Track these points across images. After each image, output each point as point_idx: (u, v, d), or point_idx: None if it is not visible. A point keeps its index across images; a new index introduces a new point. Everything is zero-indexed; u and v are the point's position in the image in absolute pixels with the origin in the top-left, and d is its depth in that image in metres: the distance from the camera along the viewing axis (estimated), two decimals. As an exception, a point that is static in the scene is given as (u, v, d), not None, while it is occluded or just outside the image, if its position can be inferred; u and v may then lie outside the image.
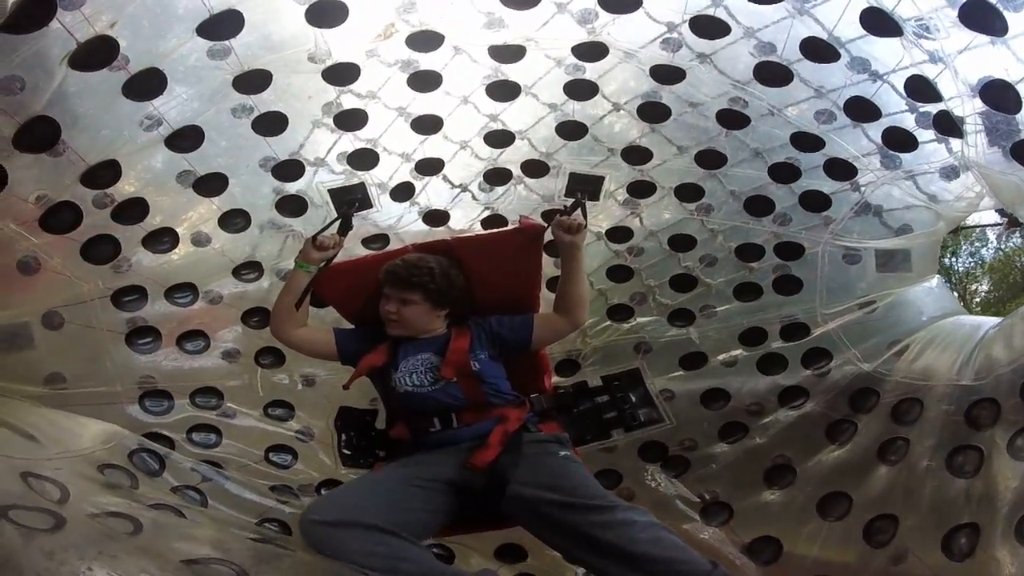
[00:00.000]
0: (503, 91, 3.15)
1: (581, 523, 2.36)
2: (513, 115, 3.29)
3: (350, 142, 3.23)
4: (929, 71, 2.45)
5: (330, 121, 3.10)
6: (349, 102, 3.07)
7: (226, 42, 2.60)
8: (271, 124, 2.99)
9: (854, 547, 2.69)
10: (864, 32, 2.51)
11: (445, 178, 3.50)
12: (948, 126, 2.59)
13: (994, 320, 2.99)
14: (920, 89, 2.57)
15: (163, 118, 2.70)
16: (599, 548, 2.30)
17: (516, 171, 3.50)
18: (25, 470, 1.91)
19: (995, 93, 2.25)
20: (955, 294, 3.46)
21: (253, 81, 2.79)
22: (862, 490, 2.84)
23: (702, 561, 2.28)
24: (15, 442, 2.33)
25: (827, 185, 3.22)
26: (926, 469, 2.64)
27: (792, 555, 2.83)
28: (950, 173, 2.93)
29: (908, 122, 2.82)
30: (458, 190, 3.56)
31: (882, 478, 2.82)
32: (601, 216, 3.59)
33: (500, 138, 3.36)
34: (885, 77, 2.69)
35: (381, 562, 2.23)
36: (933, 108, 2.65)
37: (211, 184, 3.05)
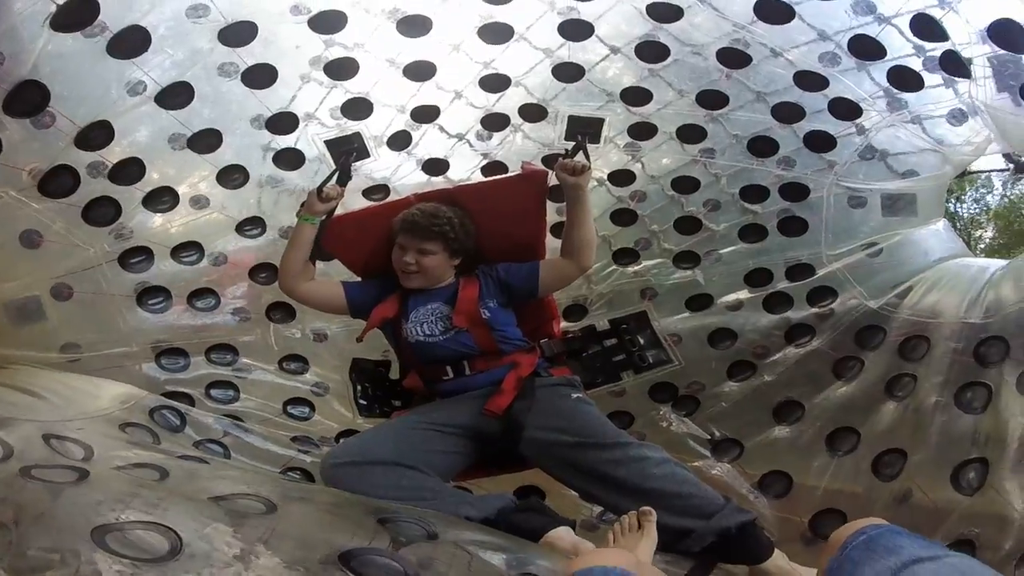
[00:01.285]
0: (495, 34, 3.10)
1: (595, 461, 2.41)
2: (507, 60, 3.23)
3: (342, 92, 3.18)
4: (936, 12, 2.41)
5: (320, 72, 3.05)
6: (337, 51, 3.02)
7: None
8: (260, 77, 2.95)
9: (863, 480, 2.74)
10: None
11: (441, 126, 3.46)
12: (955, 66, 2.55)
13: (1001, 262, 3.00)
14: (926, 29, 2.53)
15: (149, 77, 2.67)
16: (614, 485, 2.35)
17: (514, 117, 3.46)
18: (47, 432, 1.92)
19: (1004, 33, 2.22)
20: (960, 240, 3.47)
21: (238, 34, 2.75)
22: (870, 425, 2.87)
23: (715, 495, 2.33)
24: (35, 406, 2.34)
25: (832, 126, 3.18)
26: (934, 405, 2.66)
27: (802, 488, 2.89)
28: (958, 116, 2.88)
29: (914, 63, 2.77)
30: (455, 138, 3.52)
31: (890, 413, 2.85)
32: (601, 161, 3.55)
33: (495, 83, 3.30)
34: (890, 20, 2.64)
35: (407, 493, 2.28)
36: (939, 48, 2.61)
37: (205, 141, 3.01)
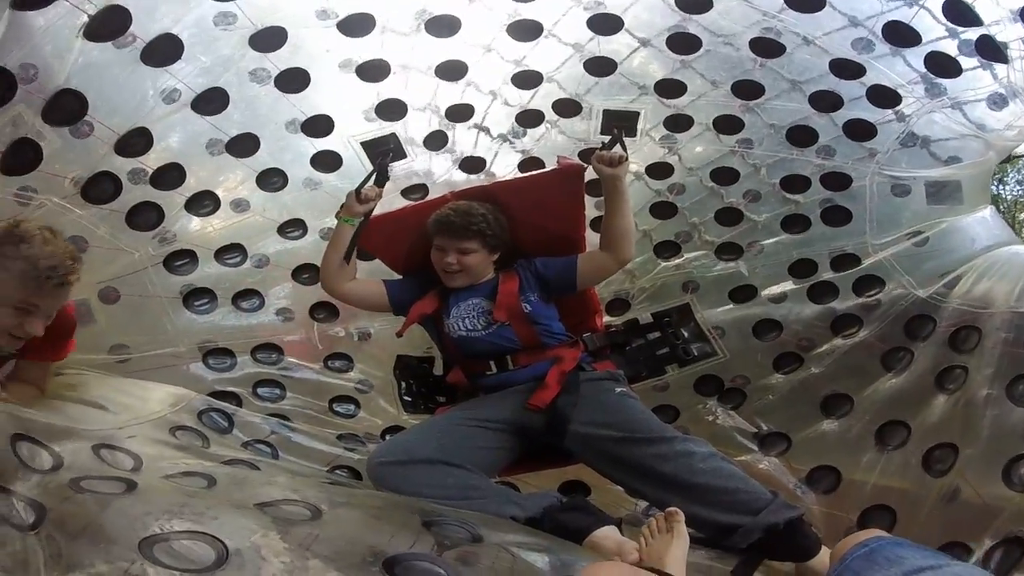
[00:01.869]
0: (524, 31, 3.08)
1: (641, 456, 2.40)
2: (538, 57, 3.22)
3: (375, 94, 3.19)
4: None
5: (352, 74, 3.07)
6: (368, 54, 3.03)
7: (230, 6, 2.60)
8: (292, 81, 2.98)
9: (912, 476, 2.67)
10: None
11: (477, 124, 3.46)
12: (992, 51, 2.48)
13: (1053, 250, 2.90)
14: (959, 13, 2.46)
15: (184, 84, 2.71)
16: (660, 480, 2.34)
17: (548, 113, 3.44)
18: (98, 442, 1.95)
19: None
20: (1004, 222, 3.39)
21: (268, 39, 2.77)
22: (920, 419, 2.79)
23: (763, 490, 2.30)
24: (87, 414, 2.40)
25: (871, 113, 3.11)
26: (985, 398, 2.58)
27: (850, 483, 2.82)
28: (998, 101, 2.78)
29: (949, 48, 2.69)
30: (491, 136, 3.51)
31: (940, 407, 2.77)
32: (638, 155, 3.51)
33: (527, 79, 3.29)
34: (922, 4, 2.58)
35: (452, 492, 2.30)
36: (974, 33, 2.54)
37: (242, 146, 3.05)
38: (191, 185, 3.02)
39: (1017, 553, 2.09)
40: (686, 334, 3.56)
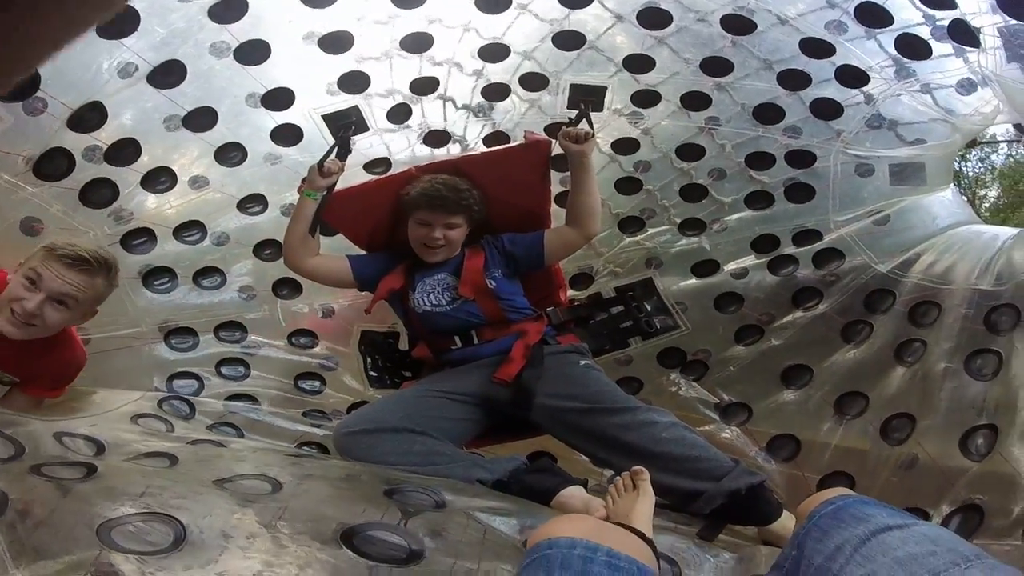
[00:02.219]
0: (493, 3, 3.07)
1: (605, 426, 2.43)
2: (506, 29, 3.20)
3: (338, 66, 3.14)
4: None
5: (314, 46, 3.02)
6: (330, 25, 2.98)
7: None
8: (253, 53, 2.92)
9: (870, 443, 2.74)
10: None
11: (441, 97, 3.42)
12: (965, 35, 2.51)
13: (1013, 230, 2.96)
14: None
15: (140, 57, 2.65)
16: (624, 449, 2.36)
17: (515, 87, 3.42)
18: (58, 430, 1.93)
19: (1014, 3, 2.18)
20: (964, 199, 3.44)
21: (229, 10, 2.72)
22: (879, 390, 2.86)
23: (724, 458, 2.34)
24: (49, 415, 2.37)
25: (839, 93, 3.14)
26: (943, 371, 2.65)
27: (811, 449, 2.88)
28: (966, 86, 2.84)
29: (923, 31, 2.72)
30: (456, 110, 3.49)
31: (899, 378, 2.83)
32: (605, 131, 3.52)
33: (494, 52, 3.27)
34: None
35: (418, 459, 2.31)
36: (948, 17, 2.57)
37: (199, 120, 3.00)
38: (147, 161, 2.96)
39: (976, 519, 2.15)
40: (649, 308, 3.59)
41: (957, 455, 2.39)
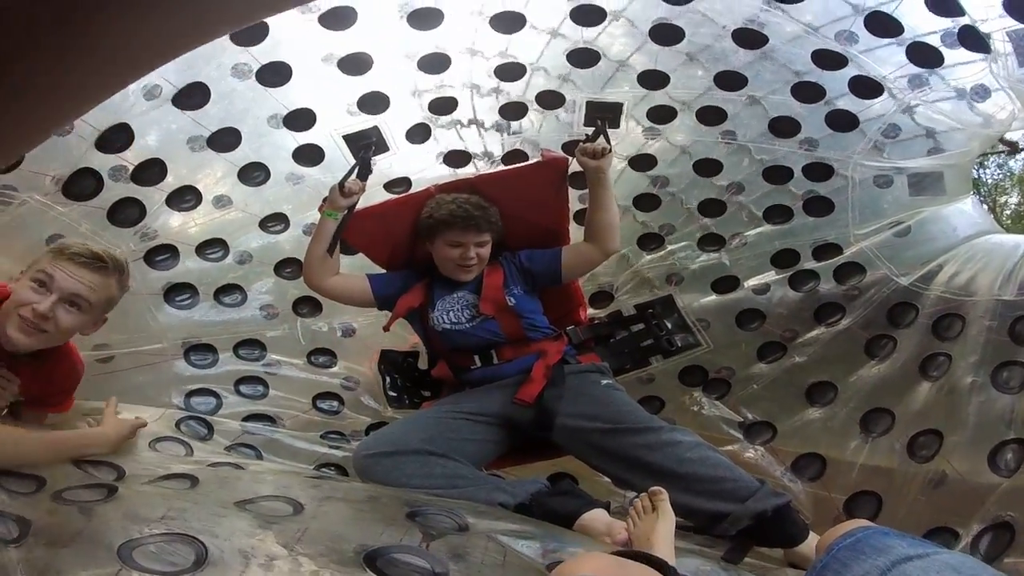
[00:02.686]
0: (507, 23, 3.07)
1: (628, 447, 2.40)
2: (521, 48, 3.21)
3: (357, 87, 3.16)
4: None
5: (334, 67, 3.04)
6: (349, 47, 3.00)
7: None
8: (274, 75, 2.95)
9: (897, 462, 2.69)
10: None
11: (459, 119, 3.44)
12: (974, 42, 2.49)
13: (1034, 238, 2.93)
14: (942, 4, 2.47)
15: (164, 79, 2.68)
16: (647, 470, 2.33)
17: (532, 105, 3.42)
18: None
19: (1021, 7, 2.15)
20: (984, 207, 3.40)
21: (250, 33, 2.75)
22: (904, 405, 2.82)
23: (750, 479, 2.31)
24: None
25: (853, 105, 3.12)
26: (970, 385, 2.61)
27: (837, 469, 2.84)
28: (980, 92, 2.81)
29: (933, 39, 2.70)
30: (474, 129, 3.49)
31: (924, 393, 2.80)
32: (621, 146, 3.50)
33: (511, 71, 3.28)
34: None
35: (439, 481, 2.30)
36: (957, 24, 2.54)
37: (223, 141, 3.02)
38: (172, 181, 2.99)
39: (1006, 537, 2.11)
40: (670, 325, 3.55)
41: (986, 471, 2.36)
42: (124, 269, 2.19)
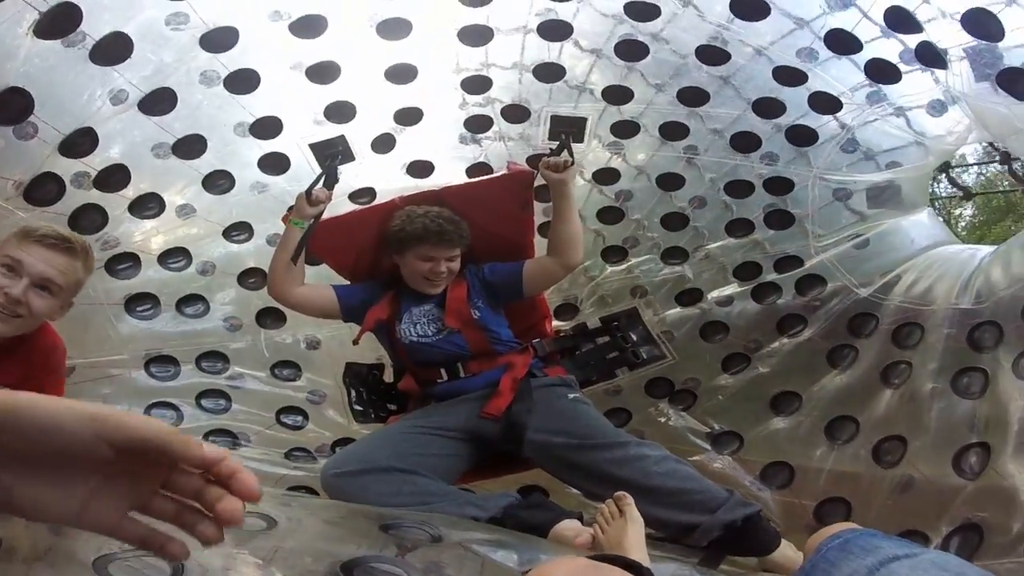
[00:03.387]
0: (475, 36, 3.07)
1: (596, 462, 2.41)
2: (488, 62, 3.21)
3: (325, 96, 3.13)
4: (909, 3, 2.41)
5: (302, 76, 3.00)
6: (318, 55, 2.97)
7: (182, 5, 2.53)
8: (242, 82, 2.90)
9: (863, 467, 2.75)
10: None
11: (425, 129, 3.41)
12: (932, 57, 2.57)
13: (989, 248, 3.02)
14: (901, 20, 2.53)
15: (132, 84, 2.62)
16: (616, 484, 2.31)
17: (497, 118, 3.43)
18: None
19: (978, 22, 2.23)
20: (940, 218, 3.52)
21: (220, 39, 2.70)
22: (868, 413, 2.88)
23: (718, 490, 2.33)
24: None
25: (812, 120, 3.18)
26: (931, 391, 2.68)
27: (805, 476, 2.89)
28: (937, 107, 2.88)
29: (891, 55, 2.76)
30: (439, 140, 3.48)
31: (887, 401, 2.86)
32: (585, 160, 3.55)
33: (477, 84, 3.28)
34: (865, 13, 2.63)
35: (410, 499, 2.26)
36: (915, 40, 2.61)
37: (188, 147, 2.96)
38: (135, 188, 2.91)
39: (975, 538, 2.16)
40: (635, 338, 3.56)
41: (951, 475, 2.41)
42: (89, 252, 2.16)
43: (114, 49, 2.47)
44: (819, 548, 1.30)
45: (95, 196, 2.81)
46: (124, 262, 3.03)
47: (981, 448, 2.37)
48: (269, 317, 3.35)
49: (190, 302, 3.22)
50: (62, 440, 0.68)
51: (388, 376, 3.37)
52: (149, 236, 3.08)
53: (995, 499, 2.21)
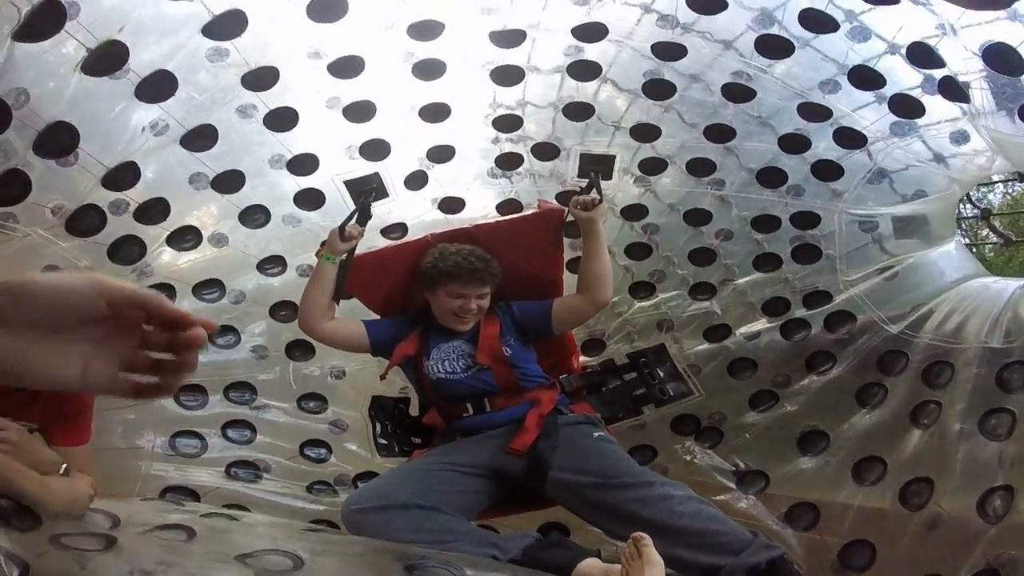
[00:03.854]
0: (507, 76, 3.13)
1: (620, 501, 2.41)
2: (518, 101, 3.26)
3: (360, 134, 3.19)
4: (932, 40, 2.43)
5: (339, 114, 3.08)
6: (355, 95, 3.04)
7: (225, 43, 2.60)
8: (281, 120, 2.98)
9: (890, 508, 2.70)
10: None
11: (457, 166, 3.47)
12: (954, 91, 2.57)
13: (1018, 282, 2.98)
14: (923, 55, 2.54)
15: (173, 119, 2.69)
16: (640, 524, 2.29)
17: (527, 156, 3.47)
18: None
19: (999, 56, 2.23)
20: (965, 241, 3.48)
21: (260, 78, 2.78)
22: (896, 454, 2.83)
23: (743, 531, 2.31)
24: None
25: (838, 154, 3.17)
26: (959, 432, 2.63)
27: (830, 520, 2.84)
28: (959, 138, 2.87)
29: (914, 90, 2.76)
30: (471, 178, 3.53)
31: (915, 441, 2.81)
32: (614, 196, 3.54)
33: (508, 123, 3.33)
34: (888, 49, 2.65)
35: (430, 536, 2.27)
36: (938, 73, 2.61)
37: (227, 182, 3.04)
38: (173, 220, 2.99)
39: None
40: (662, 374, 3.54)
41: (975, 518, 2.37)
42: None
43: (159, 85, 2.55)
44: None
45: (133, 227, 2.87)
46: (160, 292, 3.07)
47: (1005, 491, 2.33)
48: (299, 349, 3.39)
49: (222, 333, 3.27)
50: (70, 300, 0.82)
51: (414, 409, 3.40)
52: (183, 267, 3.14)
53: (1020, 539, 2.18)
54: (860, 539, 2.69)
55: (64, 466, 1.92)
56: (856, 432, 3.02)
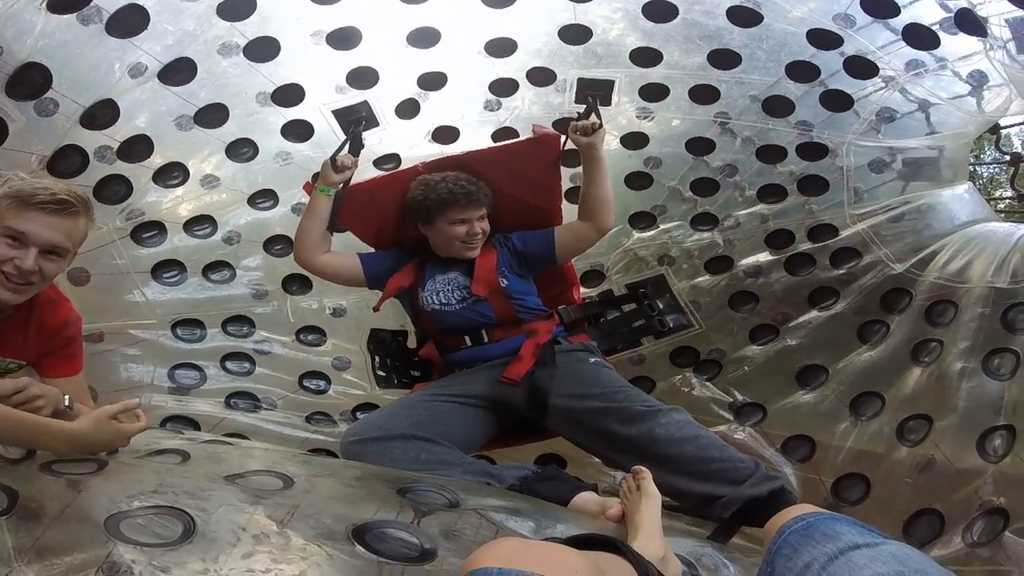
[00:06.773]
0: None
1: (619, 427, 2.39)
2: (513, 24, 3.15)
3: (346, 62, 3.10)
4: None
5: (323, 42, 2.98)
6: (338, 21, 2.94)
7: None
8: (262, 51, 2.89)
9: (886, 444, 2.71)
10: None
11: (450, 94, 3.37)
12: (971, 25, 2.46)
13: (1027, 226, 2.92)
14: None
15: (150, 55, 2.62)
16: (638, 451, 2.32)
17: (523, 82, 3.36)
18: None
19: None
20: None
21: (237, 8, 2.69)
22: (895, 390, 2.83)
23: (744, 459, 2.30)
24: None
25: (848, 85, 3.08)
26: (960, 371, 2.62)
27: (825, 451, 2.85)
28: (977, 77, 2.78)
29: (929, 20, 2.67)
30: (464, 105, 3.44)
31: (915, 379, 2.80)
32: (611, 124, 3.44)
33: (502, 47, 3.21)
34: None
35: (426, 466, 2.28)
36: (955, 5, 2.51)
37: (211, 117, 2.98)
38: (159, 158, 2.94)
39: (999, 522, 2.12)
40: (661, 305, 3.53)
41: (973, 456, 2.37)
42: (88, 203, 2.09)
43: (130, 21, 2.48)
44: (781, 530, 1.29)
45: (119, 167, 2.84)
46: (150, 230, 3.08)
47: (1007, 431, 2.33)
48: (295, 283, 3.38)
49: (216, 268, 3.26)
50: None
51: (412, 342, 3.39)
52: (175, 205, 3.11)
53: (1018, 483, 2.17)
54: (854, 473, 2.70)
55: (67, 397, 1.91)
56: (856, 368, 3.01)
